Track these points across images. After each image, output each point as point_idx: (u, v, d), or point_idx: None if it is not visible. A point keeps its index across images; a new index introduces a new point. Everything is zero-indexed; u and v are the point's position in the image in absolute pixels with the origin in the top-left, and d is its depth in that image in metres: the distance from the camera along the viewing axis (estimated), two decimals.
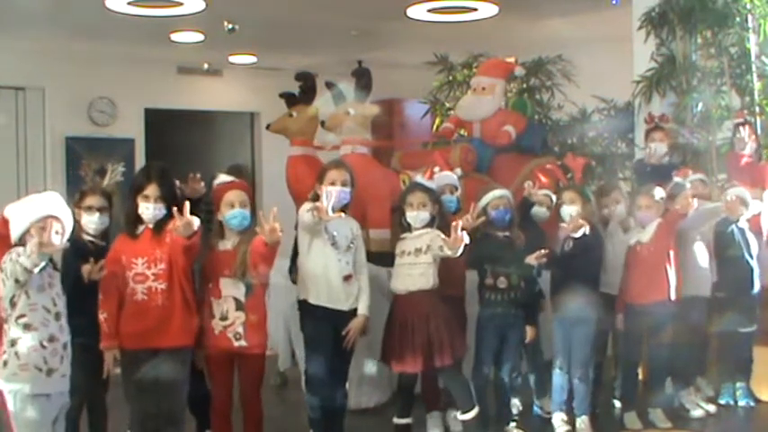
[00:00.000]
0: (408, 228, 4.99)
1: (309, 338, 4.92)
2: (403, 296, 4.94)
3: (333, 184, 4.78)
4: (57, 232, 3.82)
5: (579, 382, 5.25)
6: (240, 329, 4.49)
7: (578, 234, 5.07)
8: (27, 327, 3.75)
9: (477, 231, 5.15)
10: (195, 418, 4.80)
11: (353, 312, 4.84)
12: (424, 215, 4.94)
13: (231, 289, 4.50)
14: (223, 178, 4.75)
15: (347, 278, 4.79)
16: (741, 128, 6.28)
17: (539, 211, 5.52)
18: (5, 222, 3.86)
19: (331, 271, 4.76)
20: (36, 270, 3.67)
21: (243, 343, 4.50)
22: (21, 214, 3.85)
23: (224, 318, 4.49)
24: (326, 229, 4.74)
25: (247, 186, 4.74)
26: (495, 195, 5.22)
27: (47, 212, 3.83)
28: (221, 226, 4.58)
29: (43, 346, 3.77)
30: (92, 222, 4.51)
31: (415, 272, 4.91)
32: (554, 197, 5.58)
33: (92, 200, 4.54)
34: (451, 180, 5.45)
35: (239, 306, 4.50)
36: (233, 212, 4.53)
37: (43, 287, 3.81)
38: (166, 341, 4.31)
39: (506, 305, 5.13)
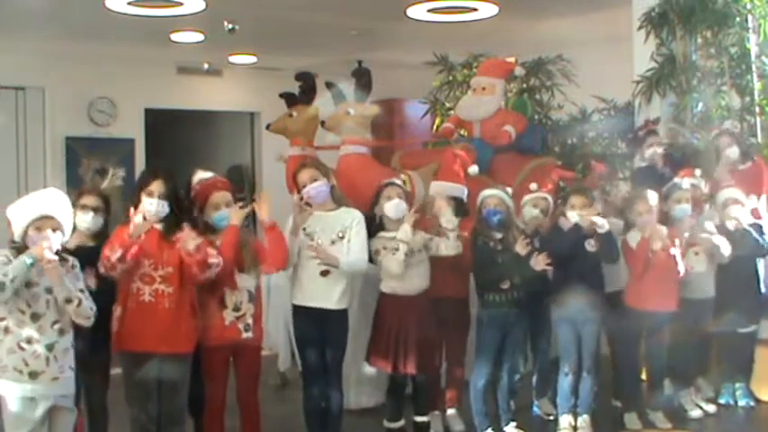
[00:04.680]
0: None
1: (297, 339, 5.00)
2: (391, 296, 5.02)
3: (304, 186, 4.83)
4: (53, 230, 3.82)
5: (588, 374, 5.24)
6: (250, 321, 4.58)
7: (603, 230, 5.06)
8: (6, 330, 3.77)
9: (475, 234, 5.17)
10: (194, 418, 4.79)
11: (340, 312, 4.84)
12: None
13: (246, 282, 4.58)
14: (202, 175, 4.74)
15: (324, 273, 4.78)
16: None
17: (531, 212, 5.48)
18: (9, 224, 3.88)
19: (308, 268, 4.78)
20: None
21: (249, 335, 4.58)
22: (18, 215, 3.86)
23: (237, 308, 4.54)
24: (303, 229, 4.79)
25: (229, 184, 4.76)
26: (487, 194, 5.21)
27: (41, 212, 3.83)
28: (207, 225, 4.58)
29: (21, 348, 3.77)
30: (84, 222, 4.49)
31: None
32: (551, 200, 5.55)
33: (87, 199, 4.54)
34: (457, 192, 5.39)
35: (251, 298, 4.59)
36: (221, 214, 4.57)
37: (18, 290, 3.77)
38: (172, 347, 4.32)
39: (507, 306, 5.13)
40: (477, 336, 5.26)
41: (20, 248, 3.82)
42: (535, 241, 5.22)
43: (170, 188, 4.39)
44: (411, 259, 4.93)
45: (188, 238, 4.28)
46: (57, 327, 3.84)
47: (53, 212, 3.86)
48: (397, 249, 4.90)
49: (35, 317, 3.80)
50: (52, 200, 3.92)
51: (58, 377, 3.84)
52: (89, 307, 3.88)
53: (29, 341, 3.78)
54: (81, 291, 3.92)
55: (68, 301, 3.81)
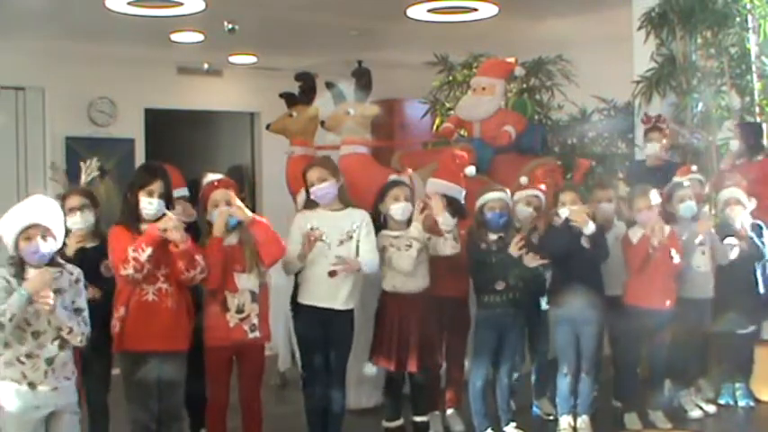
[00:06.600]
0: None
1: (301, 338, 5.00)
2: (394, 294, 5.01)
3: (312, 185, 4.83)
4: (43, 237, 3.78)
5: (586, 375, 5.24)
6: (255, 321, 4.57)
7: (589, 231, 5.05)
8: (6, 344, 3.77)
9: (471, 235, 5.16)
10: (190, 416, 4.79)
11: (346, 312, 4.84)
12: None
13: (246, 282, 4.56)
14: (211, 177, 4.75)
15: (332, 274, 4.77)
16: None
17: (524, 210, 5.48)
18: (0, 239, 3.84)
19: (315, 269, 4.78)
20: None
21: (257, 334, 4.58)
22: (6, 229, 3.81)
23: (240, 310, 4.53)
24: (311, 229, 4.78)
25: (232, 183, 4.74)
26: (492, 197, 5.20)
27: (28, 222, 3.78)
28: (209, 225, 4.59)
29: (20, 362, 3.78)
30: (74, 223, 4.52)
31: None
32: (543, 198, 5.55)
33: (71, 201, 4.56)
34: (454, 193, 5.35)
35: (254, 298, 4.57)
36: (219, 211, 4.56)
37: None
38: (173, 344, 4.33)
39: (503, 306, 5.12)
40: (474, 336, 5.26)
41: (17, 264, 3.79)
42: (532, 239, 5.22)
43: (168, 188, 4.40)
44: (418, 257, 4.94)
45: (169, 224, 4.21)
46: (57, 343, 3.83)
47: (40, 219, 3.79)
48: (409, 246, 4.90)
49: (36, 334, 3.80)
50: (38, 206, 3.84)
51: (57, 387, 3.84)
52: (81, 332, 3.86)
53: (29, 356, 3.78)
54: (78, 310, 3.88)
55: (59, 329, 3.81)
